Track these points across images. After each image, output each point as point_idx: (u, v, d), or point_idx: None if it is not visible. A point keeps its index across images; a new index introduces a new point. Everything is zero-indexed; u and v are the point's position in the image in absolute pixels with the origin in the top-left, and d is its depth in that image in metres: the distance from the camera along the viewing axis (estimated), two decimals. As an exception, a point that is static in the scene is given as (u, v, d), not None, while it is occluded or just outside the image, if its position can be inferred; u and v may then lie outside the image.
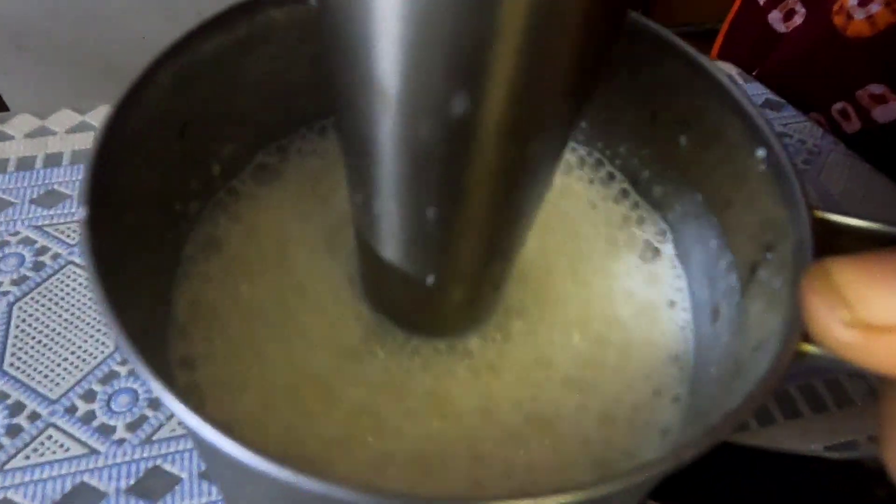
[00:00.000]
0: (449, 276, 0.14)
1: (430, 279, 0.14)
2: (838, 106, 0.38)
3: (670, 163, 0.19)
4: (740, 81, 0.38)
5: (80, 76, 1.10)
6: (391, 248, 0.13)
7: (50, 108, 0.34)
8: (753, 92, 0.38)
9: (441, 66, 0.09)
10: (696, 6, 1.20)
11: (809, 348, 0.12)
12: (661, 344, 0.18)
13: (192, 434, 0.13)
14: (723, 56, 0.46)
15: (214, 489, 0.22)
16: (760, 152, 0.15)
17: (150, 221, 0.15)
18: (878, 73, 0.35)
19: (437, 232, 0.12)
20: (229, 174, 0.18)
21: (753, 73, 0.41)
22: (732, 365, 0.15)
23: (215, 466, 0.15)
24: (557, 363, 0.17)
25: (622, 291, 0.19)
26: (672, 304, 0.19)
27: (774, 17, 0.41)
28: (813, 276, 0.12)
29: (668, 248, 0.20)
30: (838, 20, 0.35)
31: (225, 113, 0.17)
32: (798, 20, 0.40)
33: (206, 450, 0.13)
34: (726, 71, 0.38)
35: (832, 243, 0.14)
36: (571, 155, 0.21)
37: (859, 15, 0.34)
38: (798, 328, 0.12)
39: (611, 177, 0.21)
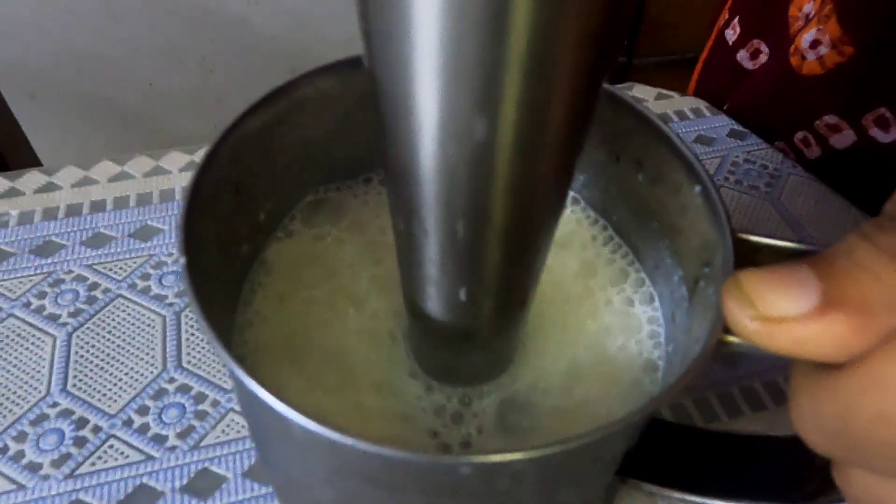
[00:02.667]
0: (478, 290, 0.16)
1: (462, 295, 0.16)
2: (800, 135, 0.42)
3: (632, 196, 0.23)
4: (708, 114, 0.42)
5: (90, 122, 1.14)
6: (428, 267, 0.16)
7: (61, 151, 0.38)
8: (720, 123, 0.42)
9: (464, 101, 0.11)
10: (677, 38, 1.26)
11: (730, 338, 0.16)
12: (637, 351, 0.22)
13: (268, 418, 0.16)
14: (699, 89, 0.50)
15: (257, 485, 0.26)
16: (697, 188, 0.19)
17: (215, 262, 0.19)
18: (832, 106, 0.39)
19: (466, 248, 0.15)
20: (274, 221, 0.22)
21: (725, 107, 0.45)
22: (682, 359, 0.19)
23: (272, 441, 0.18)
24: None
25: (603, 306, 0.23)
26: (644, 312, 0.23)
27: (742, 55, 0.46)
28: (729, 284, 0.15)
29: (637, 267, 0.24)
30: (794, 60, 0.39)
31: (268, 172, 0.21)
32: (763, 58, 0.45)
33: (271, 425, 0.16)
34: (696, 104, 0.43)
35: (752, 258, 0.18)
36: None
37: (811, 56, 0.38)
38: (721, 323, 0.16)
39: (588, 213, 0.25)
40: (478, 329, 0.18)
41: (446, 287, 0.16)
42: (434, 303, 0.17)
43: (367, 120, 0.21)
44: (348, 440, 0.13)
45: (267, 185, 0.21)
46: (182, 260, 0.15)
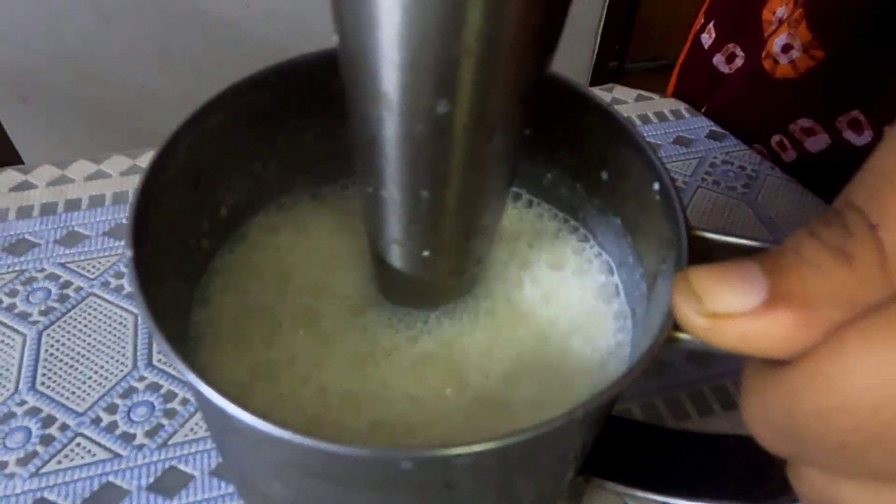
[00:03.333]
0: (440, 249, 0.18)
1: (426, 252, 0.18)
2: (776, 138, 0.42)
3: (597, 193, 0.23)
4: (687, 115, 0.43)
5: (81, 125, 1.14)
6: (395, 228, 0.17)
7: (53, 155, 0.38)
8: (699, 125, 0.42)
9: (428, 81, 0.13)
10: (667, 43, 1.26)
11: (679, 335, 0.16)
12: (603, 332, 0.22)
13: (213, 414, 0.16)
14: (677, 93, 0.50)
15: (223, 484, 0.26)
16: (656, 185, 0.19)
17: (172, 255, 0.19)
18: (806, 109, 0.39)
19: (429, 211, 0.16)
20: (234, 216, 0.22)
21: (703, 109, 0.45)
22: (638, 351, 0.19)
23: (225, 438, 0.18)
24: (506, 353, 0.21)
25: (574, 298, 0.23)
26: (613, 312, 0.23)
27: (718, 59, 0.46)
28: (677, 280, 0.15)
29: (602, 263, 0.24)
30: (767, 64, 0.40)
31: (229, 168, 0.21)
32: (739, 62, 0.45)
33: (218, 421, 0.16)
34: (676, 106, 0.43)
35: (708, 255, 0.18)
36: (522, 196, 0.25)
37: (783, 60, 0.39)
38: (672, 319, 0.16)
39: (555, 209, 0.25)
40: (437, 280, 0.20)
41: (411, 247, 0.18)
42: (399, 260, 0.19)
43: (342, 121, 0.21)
44: (287, 435, 0.13)
45: (231, 182, 0.21)
46: (129, 253, 0.15)
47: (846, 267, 0.13)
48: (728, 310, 0.14)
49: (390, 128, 0.14)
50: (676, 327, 0.16)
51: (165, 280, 0.18)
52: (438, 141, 0.15)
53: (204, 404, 0.16)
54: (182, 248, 0.20)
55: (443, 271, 0.20)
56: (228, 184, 0.21)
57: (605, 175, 0.22)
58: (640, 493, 0.22)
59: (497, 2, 0.12)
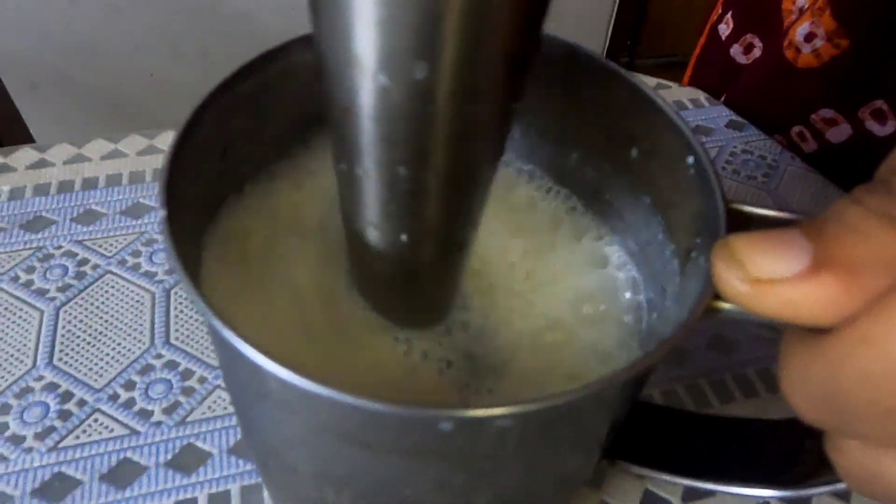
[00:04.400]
0: (419, 233, 0.17)
1: (404, 237, 0.16)
2: (796, 129, 0.42)
3: (624, 172, 0.23)
4: (706, 104, 0.42)
5: (92, 113, 1.14)
6: (370, 210, 0.16)
7: (65, 140, 0.37)
8: (718, 114, 0.42)
9: (405, 41, 0.12)
10: (679, 39, 1.26)
11: (720, 304, 0.16)
12: (619, 318, 0.21)
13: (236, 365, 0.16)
14: (693, 83, 0.50)
15: (242, 461, 0.25)
16: (690, 159, 0.19)
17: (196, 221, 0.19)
18: (828, 99, 0.39)
19: (408, 190, 0.15)
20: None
21: (721, 100, 0.45)
22: (672, 325, 0.18)
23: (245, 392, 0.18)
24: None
25: (589, 275, 0.23)
26: (631, 286, 0.22)
27: (736, 50, 0.46)
28: (718, 247, 0.15)
29: (629, 244, 0.23)
30: (789, 53, 0.39)
31: (256, 138, 0.21)
32: (757, 53, 0.45)
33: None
34: (695, 95, 0.43)
35: (744, 228, 0.17)
36: (529, 174, 0.25)
37: (806, 49, 0.38)
38: (711, 288, 0.16)
39: (574, 191, 0.25)
40: (417, 271, 0.18)
41: (388, 230, 0.17)
42: (376, 245, 0.17)
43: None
44: (325, 391, 0.13)
45: (252, 152, 0.21)
46: (162, 212, 0.15)
47: (892, 231, 0.13)
48: (771, 275, 0.14)
49: (364, 96, 0.13)
50: (716, 297, 0.16)
51: (192, 246, 0.18)
52: (417, 110, 0.13)
53: (236, 366, 0.16)
54: (207, 214, 0.20)
55: (421, 257, 0.18)
56: (254, 155, 0.21)
57: (634, 152, 0.22)
58: (667, 477, 0.22)
59: None
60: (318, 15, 0.13)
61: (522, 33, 0.13)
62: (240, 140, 0.20)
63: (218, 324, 0.13)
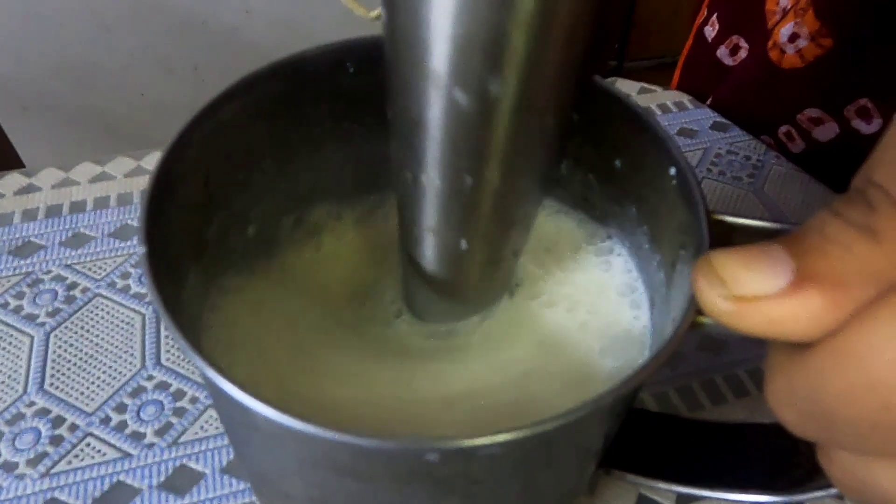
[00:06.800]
0: (478, 238, 0.17)
1: (463, 242, 0.17)
2: (783, 129, 0.42)
3: (611, 183, 0.23)
4: (691, 107, 0.42)
5: (83, 133, 1.14)
6: (432, 216, 0.17)
7: (55, 163, 0.37)
8: (702, 116, 0.42)
9: (480, 56, 0.13)
10: (668, 40, 1.26)
11: (703, 319, 0.16)
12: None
13: (229, 408, 0.16)
14: (682, 86, 0.50)
15: (235, 481, 0.25)
16: (672, 170, 0.19)
17: (185, 252, 0.19)
18: (813, 99, 0.39)
19: (471, 198, 0.16)
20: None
21: (708, 101, 0.45)
22: (659, 339, 0.18)
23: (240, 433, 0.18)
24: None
25: (592, 294, 0.23)
26: (630, 301, 0.22)
27: (722, 52, 0.46)
28: (700, 264, 0.15)
29: (622, 250, 0.23)
30: (773, 55, 0.39)
31: (240, 166, 0.20)
32: (743, 54, 0.45)
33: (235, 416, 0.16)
34: (679, 98, 0.43)
35: (728, 239, 0.17)
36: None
37: (790, 50, 0.38)
38: (694, 304, 0.16)
39: (575, 203, 0.25)
40: (471, 277, 0.19)
41: (448, 237, 0.17)
42: (434, 252, 0.18)
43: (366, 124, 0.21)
44: (312, 429, 0.12)
45: (237, 179, 0.21)
46: (143, 249, 0.15)
47: (873, 243, 0.13)
48: (754, 292, 0.14)
49: (437, 107, 0.14)
50: (699, 312, 0.15)
51: (179, 277, 0.18)
52: (487, 121, 0.14)
53: (223, 401, 0.16)
54: (195, 244, 0.19)
55: (478, 263, 0.19)
56: (238, 181, 0.21)
57: (618, 163, 0.22)
58: (662, 486, 0.22)
59: None
60: (394, 32, 0.14)
61: (583, 49, 0.14)
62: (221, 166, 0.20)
63: (201, 363, 0.13)
